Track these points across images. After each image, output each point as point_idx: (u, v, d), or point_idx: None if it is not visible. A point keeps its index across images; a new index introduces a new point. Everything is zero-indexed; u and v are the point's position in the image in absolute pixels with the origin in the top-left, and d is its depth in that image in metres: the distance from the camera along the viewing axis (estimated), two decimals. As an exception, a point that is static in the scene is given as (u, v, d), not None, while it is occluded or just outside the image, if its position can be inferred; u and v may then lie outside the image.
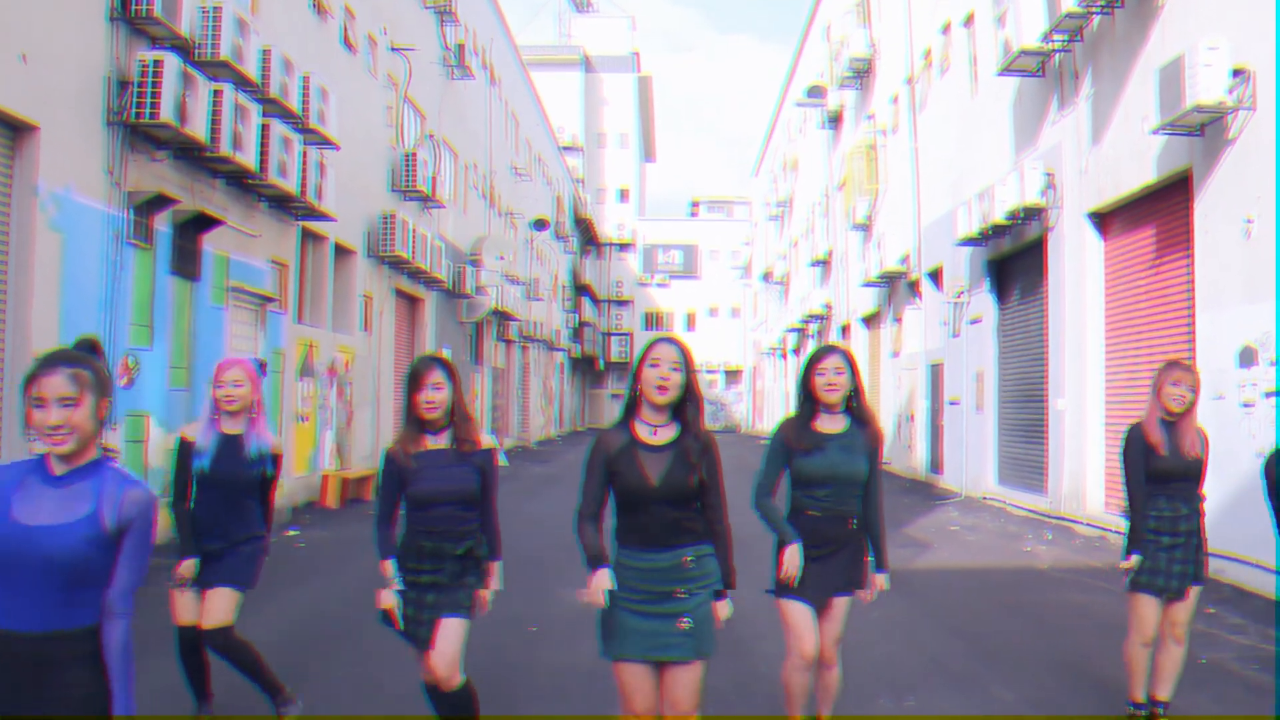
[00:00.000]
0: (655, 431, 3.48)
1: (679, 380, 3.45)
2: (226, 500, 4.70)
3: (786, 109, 39.83)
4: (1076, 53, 12.58)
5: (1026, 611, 7.71)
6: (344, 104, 15.42)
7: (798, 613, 4.22)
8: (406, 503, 4.13)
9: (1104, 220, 12.53)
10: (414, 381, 4.14)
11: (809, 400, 4.40)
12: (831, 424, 4.35)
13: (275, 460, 4.85)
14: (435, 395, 4.11)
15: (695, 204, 71.83)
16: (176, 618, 4.71)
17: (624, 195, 61.28)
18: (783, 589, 4.27)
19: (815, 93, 28.59)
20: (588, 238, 53.24)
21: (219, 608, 4.61)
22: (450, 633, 4.04)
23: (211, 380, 4.80)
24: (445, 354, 4.55)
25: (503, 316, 28.28)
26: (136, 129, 9.82)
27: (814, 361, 4.42)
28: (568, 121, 54.15)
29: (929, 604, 7.86)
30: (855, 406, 4.38)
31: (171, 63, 9.74)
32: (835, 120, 28.34)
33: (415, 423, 4.17)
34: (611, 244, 59.42)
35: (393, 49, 18.75)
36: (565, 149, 48.98)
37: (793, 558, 4.20)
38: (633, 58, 60.44)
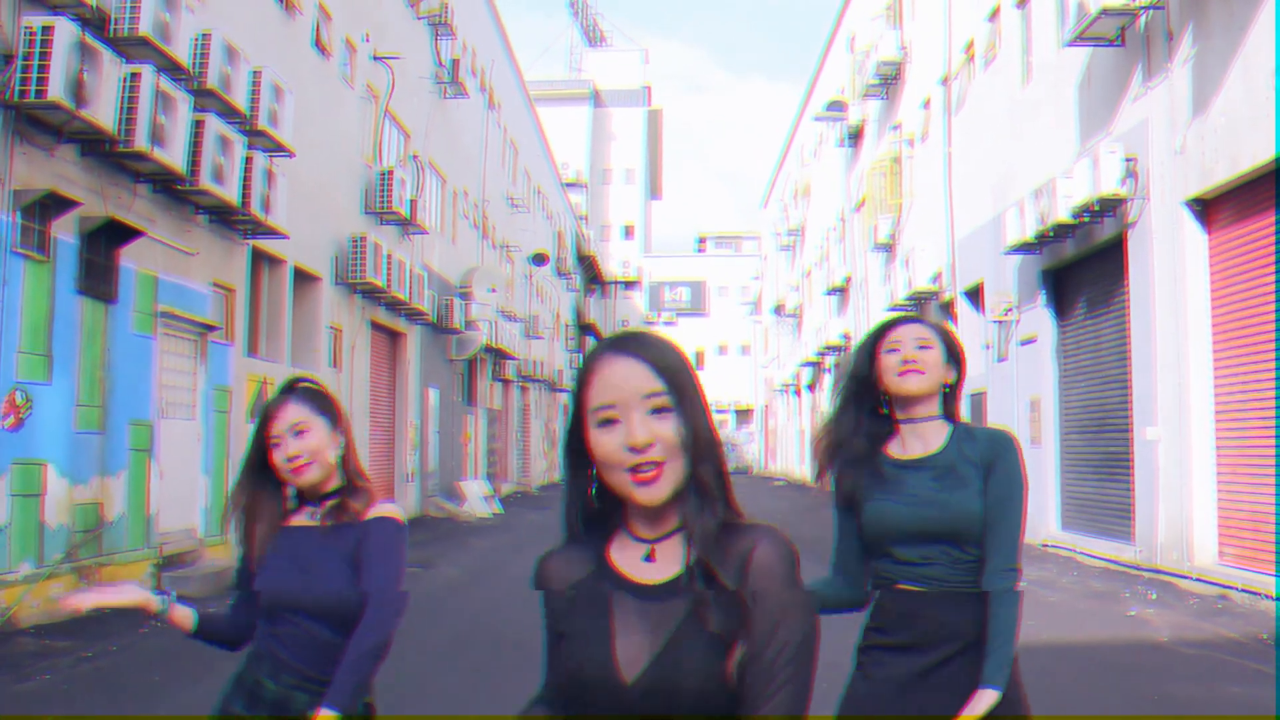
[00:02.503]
0: (652, 554, 1.40)
1: (672, 437, 1.35)
2: None
3: (801, 132, 38.17)
4: (1171, 7, 10.56)
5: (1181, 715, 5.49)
6: (311, 111, 13.58)
7: None
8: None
9: (1208, 208, 10.43)
10: (265, 425, 2.54)
11: (870, 408, 2.50)
12: (917, 441, 2.44)
13: None
14: (301, 445, 2.49)
15: (702, 240, 70.22)
16: None
17: (629, 232, 59.75)
18: None
19: (835, 107, 26.78)
20: (591, 275, 51.38)
21: None
22: None
23: None
24: (314, 381, 2.70)
25: (498, 355, 26.18)
26: (22, 112, 7.88)
27: (880, 336, 2.48)
28: (573, 157, 52.69)
29: (1045, 707, 5.61)
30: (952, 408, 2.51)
31: (65, 30, 7.83)
32: (855, 136, 26.57)
33: (275, 490, 2.62)
34: (616, 281, 57.59)
35: (375, 58, 16.94)
36: (569, 185, 47.33)
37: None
38: (644, 91, 59.19)
